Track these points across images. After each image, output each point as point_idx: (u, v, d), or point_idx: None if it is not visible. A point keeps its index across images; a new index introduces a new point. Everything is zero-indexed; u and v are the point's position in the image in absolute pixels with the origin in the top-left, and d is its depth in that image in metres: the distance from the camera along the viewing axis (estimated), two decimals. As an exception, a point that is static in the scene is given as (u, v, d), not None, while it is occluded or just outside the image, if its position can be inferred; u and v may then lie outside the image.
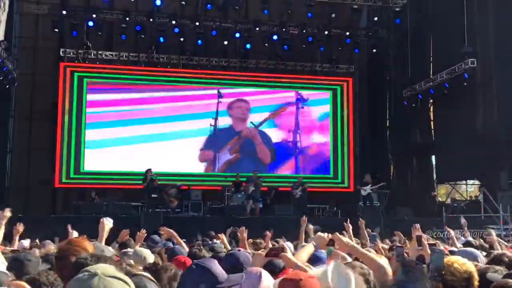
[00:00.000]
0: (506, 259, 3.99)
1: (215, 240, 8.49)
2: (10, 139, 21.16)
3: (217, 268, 2.62)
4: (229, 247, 5.75)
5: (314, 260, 4.01)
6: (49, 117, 20.95)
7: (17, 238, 7.33)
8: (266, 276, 2.65)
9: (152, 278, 2.60)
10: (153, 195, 17.67)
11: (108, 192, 20.20)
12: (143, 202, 18.23)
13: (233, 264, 3.46)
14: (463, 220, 9.94)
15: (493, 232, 7.32)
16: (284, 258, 3.51)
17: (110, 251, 5.31)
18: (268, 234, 8.90)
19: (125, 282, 1.79)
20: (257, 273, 2.65)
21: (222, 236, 6.38)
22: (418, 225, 6.07)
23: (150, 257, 5.25)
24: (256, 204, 18.33)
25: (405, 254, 5.16)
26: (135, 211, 17.56)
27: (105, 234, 4.51)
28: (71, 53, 21.31)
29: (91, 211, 16.16)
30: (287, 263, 3.49)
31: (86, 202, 18.41)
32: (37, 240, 9.19)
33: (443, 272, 3.12)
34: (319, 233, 4.09)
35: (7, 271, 3.54)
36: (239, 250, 3.81)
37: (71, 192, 21.04)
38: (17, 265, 3.40)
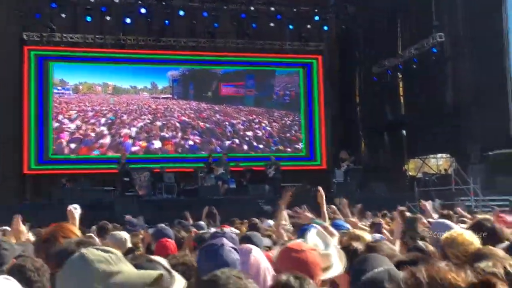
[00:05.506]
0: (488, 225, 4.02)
1: (192, 221, 8.43)
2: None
3: None
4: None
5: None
6: (16, 103, 20.43)
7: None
8: (256, 252, 2.63)
9: (167, 266, 2.49)
10: (125, 179, 17.50)
11: (78, 177, 19.85)
12: (115, 187, 18.04)
13: None
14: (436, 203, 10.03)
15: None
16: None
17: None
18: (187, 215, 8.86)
19: (110, 252, 1.63)
20: (247, 249, 2.63)
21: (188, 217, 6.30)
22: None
23: (129, 239, 5.22)
24: (225, 185, 18.28)
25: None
26: (107, 196, 17.35)
27: (77, 222, 4.40)
28: (35, 37, 20.71)
29: (63, 197, 15.85)
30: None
31: (57, 189, 18.05)
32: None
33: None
34: (307, 213, 3.96)
35: None
36: (223, 232, 3.73)
37: (41, 179, 20.61)
38: None
